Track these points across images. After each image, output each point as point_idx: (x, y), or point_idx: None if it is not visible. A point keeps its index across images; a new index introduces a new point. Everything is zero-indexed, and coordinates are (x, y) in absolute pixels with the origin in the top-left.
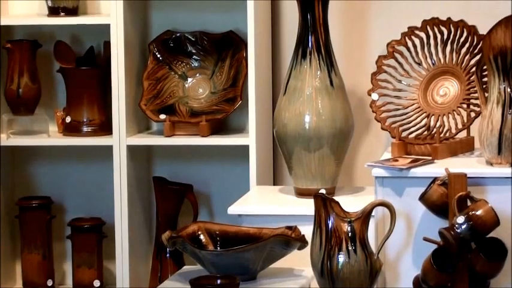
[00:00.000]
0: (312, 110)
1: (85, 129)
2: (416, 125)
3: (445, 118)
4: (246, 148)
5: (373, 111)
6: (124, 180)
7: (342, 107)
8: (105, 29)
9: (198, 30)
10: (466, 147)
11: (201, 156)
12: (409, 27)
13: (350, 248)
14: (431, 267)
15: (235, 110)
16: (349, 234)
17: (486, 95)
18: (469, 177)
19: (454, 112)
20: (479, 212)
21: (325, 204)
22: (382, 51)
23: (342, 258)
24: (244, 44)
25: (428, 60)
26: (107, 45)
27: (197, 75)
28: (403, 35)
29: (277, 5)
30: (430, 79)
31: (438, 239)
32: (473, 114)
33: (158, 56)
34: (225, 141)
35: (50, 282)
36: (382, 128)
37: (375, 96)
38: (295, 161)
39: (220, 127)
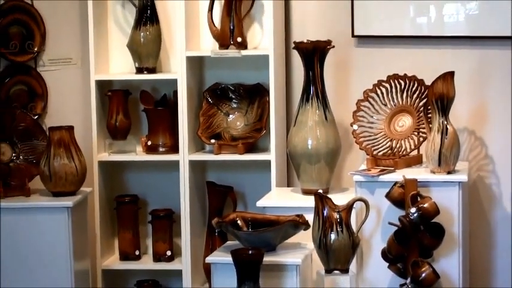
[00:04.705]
0: (313, 136)
1: (160, 149)
2: (383, 146)
3: (402, 142)
4: (268, 162)
5: (354, 137)
6: (187, 184)
7: (333, 134)
8: (174, 82)
9: (236, 83)
10: (417, 161)
11: (239, 167)
12: (378, 80)
13: (339, 230)
14: (393, 242)
15: (261, 136)
16: (338, 220)
17: (430, 126)
18: (418, 182)
19: (409, 137)
20: (425, 205)
21: (321, 200)
22: (359, 96)
23: (333, 236)
24: (267, 92)
25: (391, 102)
26: (175, 93)
27: (236, 113)
28: (374, 85)
29: (290, 66)
30: (393, 115)
31: (398, 223)
32: (421, 139)
33: (209, 100)
34: (254, 158)
35: (137, 252)
36: (360, 148)
37: (355, 127)
38: (301, 170)
39: (251, 148)
